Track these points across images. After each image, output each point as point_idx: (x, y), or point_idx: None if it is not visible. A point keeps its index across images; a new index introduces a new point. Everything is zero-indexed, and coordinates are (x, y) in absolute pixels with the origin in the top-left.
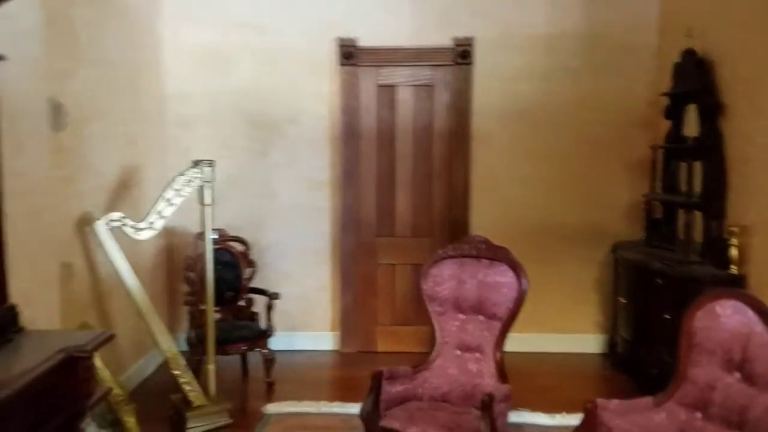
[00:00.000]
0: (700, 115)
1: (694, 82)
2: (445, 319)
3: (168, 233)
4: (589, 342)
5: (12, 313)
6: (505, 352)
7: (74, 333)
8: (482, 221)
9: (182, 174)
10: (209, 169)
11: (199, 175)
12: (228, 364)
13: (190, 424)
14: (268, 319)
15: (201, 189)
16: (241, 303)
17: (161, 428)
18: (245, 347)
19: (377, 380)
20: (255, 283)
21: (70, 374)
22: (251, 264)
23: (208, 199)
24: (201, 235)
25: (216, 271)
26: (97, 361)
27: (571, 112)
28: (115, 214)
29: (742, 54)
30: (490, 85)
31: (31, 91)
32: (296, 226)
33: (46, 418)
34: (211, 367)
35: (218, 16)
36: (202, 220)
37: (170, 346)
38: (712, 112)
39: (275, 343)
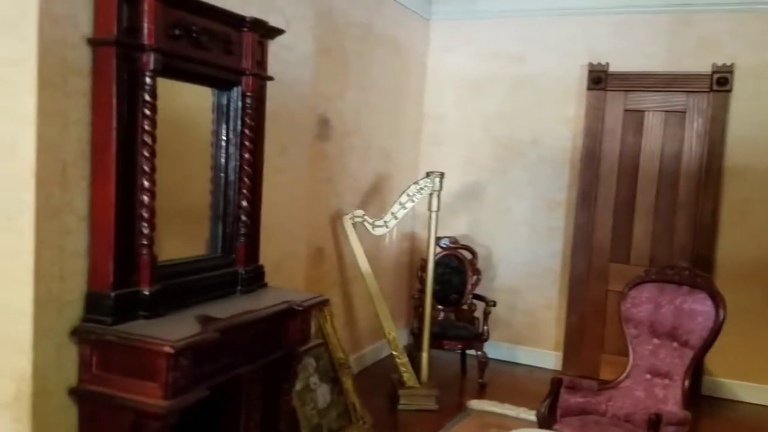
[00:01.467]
0: None
1: None
2: (639, 342)
3: (413, 237)
4: None
5: (259, 271)
6: (753, 404)
7: (299, 292)
8: (729, 259)
9: (416, 183)
10: (438, 180)
11: (429, 185)
12: (448, 362)
13: (401, 401)
14: (485, 324)
15: (430, 197)
16: (464, 307)
17: (380, 400)
18: (460, 346)
19: (556, 386)
20: (479, 291)
21: (289, 322)
22: (477, 272)
23: (434, 206)
24: (435, 240)
25: (444, 274)
26: (329, 327)
27: None
28: (359, 212)
29: None
30: (750, 115)
31: (301, 107)
32: (529, 242)
33: (267, 351)
34: (424, 355)
35: (477, 49)
36: (428, 225)
37: (391, 329)
38: None
39: (497, 351)
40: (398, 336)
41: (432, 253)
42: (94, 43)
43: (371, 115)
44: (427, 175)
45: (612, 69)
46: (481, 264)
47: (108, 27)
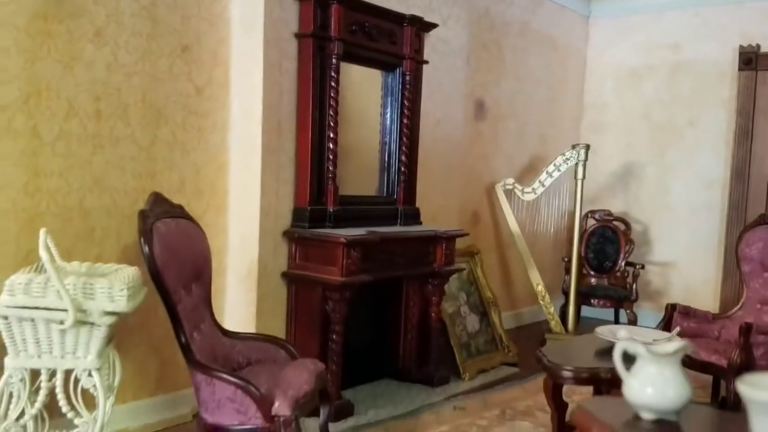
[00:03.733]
0: None
1: None
2: (751, 277)
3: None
4: None
5: (415, 212)
6: None
7: (444, 228)
8: None
9: (562, 154)
10: (583, 151)
11: (574, 156)
12: (600, 321)
13: (547, 345)
14: (633, 286)
15: (576, 166)
16: (617, 273)
17: (529, 345)
18: (609, 304)
19: (669, 311)
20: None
21: (437, 246)
22: (630, 242)
23: (580, 175)
24: (590, 213)
25: (598, 244)
26: (479, 271)
27: None
28: (509, 180)
29: None
30: None
31: (455, 90)
32: (686, 220)
33: (420, 265)
34: (571, 308)
35: (635, 41)
36: (575, 191)
37: (539, 281)
38: None
39: (650, 320)
40: (547, 292)
41: (578, 216)
42: (298, 36)
43: (526, 103)
44: (573, 147)
45: (763, 49)
46: (638, 239)
47: (308, 25)
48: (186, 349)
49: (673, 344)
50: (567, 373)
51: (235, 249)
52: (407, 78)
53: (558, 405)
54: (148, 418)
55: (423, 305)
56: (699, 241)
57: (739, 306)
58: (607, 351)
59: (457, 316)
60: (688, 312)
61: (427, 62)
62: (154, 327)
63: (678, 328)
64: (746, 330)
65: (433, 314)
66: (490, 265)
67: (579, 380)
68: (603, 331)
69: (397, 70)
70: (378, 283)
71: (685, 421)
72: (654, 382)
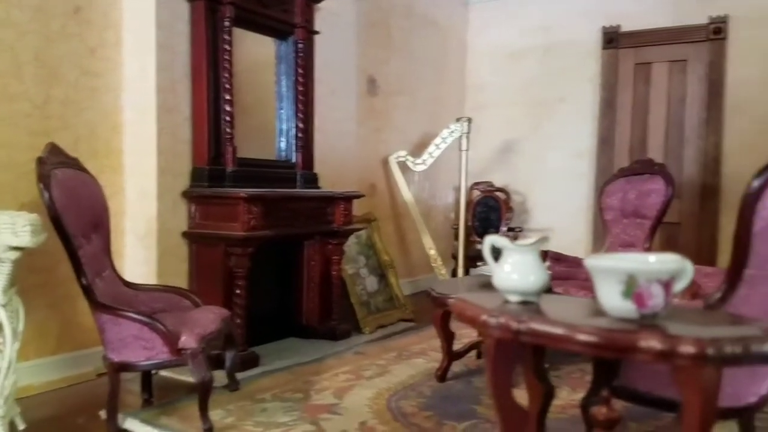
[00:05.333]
0: None
1: None
2: (613, 224)
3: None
4: None
5: (313, 177)
6: None
7: (345, 191)
8: (734, 185)
9: (447, 127)
10: (467, 124)
11: (459, 128)
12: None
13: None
14: None
15: (460, 139)
16: None
17: (426, 303)
18: None
19: (544, 257)
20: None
21: (335, 207)
22: (510, 210)
23: (464, 146)
24: (475, 185)
25: (483, 212)
26: (376, 236)
27: None
28: (402, 152)
29: None
30: (744, 59)
31: (348, 63)
32: (560, 188)
33: (320, 224)
34: (460, 270)
35: (510, 24)
36: (460, 163)
37: (432, 246)
38: None
39: None
40: (439, 256)
41: (464, 185)
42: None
43: (415, 81)
44: (457, 120)
45: (623, 29)
46: (518, 208)
47: None
48: (88, 291)
49: (532, 238)
50: (453, 301)
51: (132, 209)
52: (300, 46)
53: (446, 333)
54: (51, 376)
55: (324, 265)
56: (572, 207)
57: (603, 250)
58: (488, 284)
59: (357, 277)
60: (559, 258)
61: (318, 32)
62: (53, 286)
63: (543, 235)
64: None
65: (334, 273)
66: (387, 234)
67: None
68: (485, 269)
69: (290, 39)
70: (280, 243)
71: (544, 302)
72: (518, 269)
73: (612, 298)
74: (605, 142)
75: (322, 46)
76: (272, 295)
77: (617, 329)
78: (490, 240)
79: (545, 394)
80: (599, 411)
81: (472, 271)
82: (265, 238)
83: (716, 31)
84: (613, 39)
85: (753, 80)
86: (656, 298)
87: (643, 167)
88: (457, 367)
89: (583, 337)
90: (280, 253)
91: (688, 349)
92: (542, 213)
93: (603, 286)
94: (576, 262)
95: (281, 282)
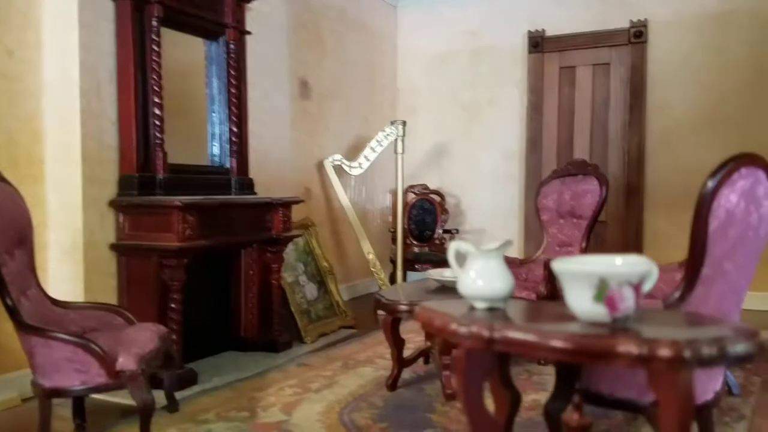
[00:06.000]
0: None
1: None
2: (549, 224)
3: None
4: None
5: (249, 182)
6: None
7: (284, 196)
8: (657, 184)
9: (382, 131)
10: (401, 127)
11: (394, 131)
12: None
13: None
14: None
15: (395, 142)
16: (437, 242)
17: (366, 310)
18: (430, 267)
19: None
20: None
21: (273, 213)
22: (445, 212)
23: (399, 149)
24: (410, 188)
25: (419, 215)
26: (314, 242)
27: (747, 81)
28: (337, 156)
29: None
30: (664, 61)
31: (280, 64)
32: (492, 189)
33: (258, 231)
34: (399, 273)
35: (440, 28)
36: (396, 167)
37: (370, 250)
38: None
39: None
40: (377, 260)
41: (401, 188)
42: None
43: (348, 85)
44: (392, 123)
45: (548, 34)
46: (452, 210)
47: None
48: (14, 312)
49: (497, 242)
50: (403, 307)
51: (56, 221)
52: (231, 47)
53: (396, 341)
54: None
55: (263, 273)
56: (503, 208)
57: (541, 250)
58: (437, 290)
59: (296, 285)
60: None
61: (249, 33)
62: None
63: (509, 239)
64: (547, 264)
65: (273, 281)
66: (324, 239)
67: (413, 313)
68: (432, 274)
69: (221, 39)
70: (217, 252)
71: (511, 308)
72: (483, 275)
73: (583, 303)
74: (533, 143)
75: (253, 47)
76: (208, 306)
77: (592, 334)
78: (455, 246)
79: (512, 401)
80: (571, 417)
81: (410, 274)
82: (201, 249)
83: (637, 35)
84: (538, 43)
85: (672, 82)
86: (627, 301)
87: (577, 168)
88: (406, 374)
89: (558, 343)
90: (216, 263)
91: (665, 352)
92: (476, 214)
93: (573, 290)
94: (514, 263)
95: (217, 293)
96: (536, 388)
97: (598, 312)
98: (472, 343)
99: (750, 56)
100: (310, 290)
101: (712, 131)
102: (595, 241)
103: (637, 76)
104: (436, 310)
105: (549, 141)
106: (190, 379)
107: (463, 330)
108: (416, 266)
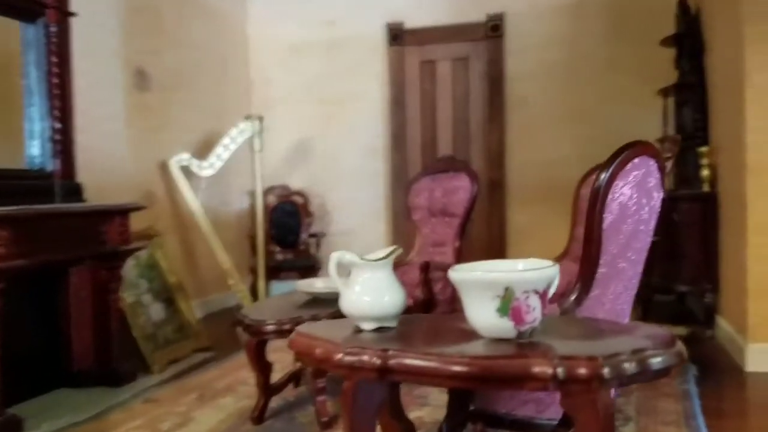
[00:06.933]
0: (688, 55)
1: (683, 26)
2: (422, 224)
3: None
4: None
5: (77, 187)
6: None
7: (121, 203)
8: (518, 178)
9: (236, 126)
10: (258, 122)
11: (249, 127)
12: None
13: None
14: (317, 255)
15: (251, 138)
16: (301, 247)
17: (223, 327)
18: (297, 276)
19: None
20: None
21: (108, 224)
22: (310, 214)
23: (257, 147)
24: (270, 189)
25: (281, 218)
26: (159, 255)
27: (598, 72)
28: (185, 155)
29: None
30: (522, 55)
31: (111, 52)
32: (357, 187)
33: (90, 246)
34: (261, 284)
35: (293, 16)
36: (253, 165)
37: (226, 260)
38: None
39: None
40: (236, 271)
41: (259, 190)
42: None
43: (196, 74)
44: (247, 118)
45: (407, 26)
46: (317, 211)
47: None
48: None
49: (384, 250)
50: (270, 327)
51: None
52: (53, 31)
53: (262, 366)
54: None
55: (98, 295)
56: (370, 206)
57: (414, 251)
58: (308, 304)
59: (138, 306)
60: None
61: (74, 14)
62: None
63: (397, 246)
64: (425, 267)
65: (111, 303)
66: (172, 249)
67: (282, 333)
68: (302, 285)
69: (40, 21)
70: (40, 272)
71: (403, 325)
72: (370, 290)
73: (486, 317)
74: (397, 139)
75: (80, 31)
76: (33, 337)
77: (500, 356)
78: (337, 257)
79: None
80: None
81: (274, 284)
82: (19, 269)
83: (494, 29)
84: (398, 36)
85: (530, 75)
86: (534, 312)
87: (447, 165)
88: (275, 401)
89: (461, 368)
90: (40, 285)
91: (584, 371)
92: (343, 215)
93: (474, 302)
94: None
95: (44, 320)
96: (418, 403)
97: (503, 326)
98: (362, 374)
99: (602, 48)
100: (156, 311)
101: (568, 124)
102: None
103: (495, 71)
104: (316, 335)
105: (413, 137)
106: (13, 427)
107: (351, 360)
108: (281, 275)
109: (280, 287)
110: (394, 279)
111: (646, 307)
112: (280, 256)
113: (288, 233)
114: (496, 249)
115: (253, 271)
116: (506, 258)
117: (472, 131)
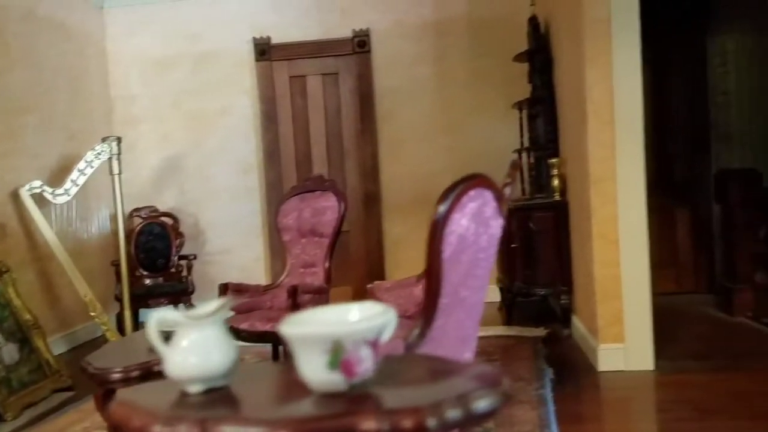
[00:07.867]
0: (539, 71)
1: (533, 43)
2: (292, 245)
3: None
4: None
5: None
6: None
7: None
8: (392, 191)
9: (92, 149)
10: (115, 144)
11: (107, 149)
12: None
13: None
14: (189, 278)
15: (110, 161)
16: (172, 270)
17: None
18: (167, 302)
19: (223, 291)
20: (199, 256)
21: None
22: (180, 236)
23: (116, 170)
24: (135, 212)
25: (149, 242)
26: (11, 292)
27: (463, 87)
28: (36, 182)
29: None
30: (389, 70)
31: None
32: (231, 205)
33: None
34: (127, 313)
35: (156, 31)
36: (113, 188)
37: (87, 292)
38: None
39: None
40: (98, 301)
41: (121, 214)
42: None
43: (47, 96)
44: (103, 140)
45: (274, 41)
46: (190, 231)
47: None
48: None
49: (213, 304)
50: (116, 376)
51: None
52: None
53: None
54: None
55: None
56: (245, 224)
57: (285, 274)
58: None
59: None
60: (240, 289)
61: None
62: None
63: (228, 298)
64: (293, 292)
65: None
66: (27, 283)
67: (131, 380)
68: (151, 324)
69: None
70: None
71: (237, 383)
72: (197, 349)
73: (316, 371)
74: (271, 155)
75: None
76: None
77: (326, 415)
78: (158, 318)
79: None
80: None
81: (143, 312)
82: None
83: (361, 44)
84: (265, 51)
85: (398, 90)
86: (365, 362)
87: (314, 184)
88: None
89: None
90: None
91: (408, 423)
92: (217, 234)
93: (304, 357)
94: (258, 291)
95: None
96: None
97: (334, 380)
98: None
99: (465, 63)
100: (9, 352)
101: (437, 137)
102: (338, 252)
103: (364, 86)
104: (136, 403)
105: (287, 152)
106: None
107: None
108: (150, 302)
109: (150, 315)
110: (224, 334)
111: (510, 311)
112: (149, 281)
113: (157, 257)
114: (374, 260)
115: (119, 299)
116: (383, 269)
117: (345, 145)
